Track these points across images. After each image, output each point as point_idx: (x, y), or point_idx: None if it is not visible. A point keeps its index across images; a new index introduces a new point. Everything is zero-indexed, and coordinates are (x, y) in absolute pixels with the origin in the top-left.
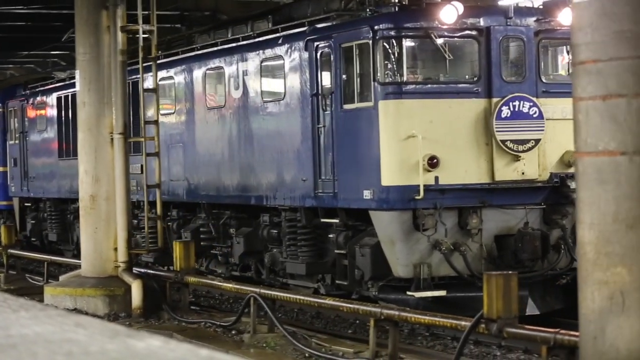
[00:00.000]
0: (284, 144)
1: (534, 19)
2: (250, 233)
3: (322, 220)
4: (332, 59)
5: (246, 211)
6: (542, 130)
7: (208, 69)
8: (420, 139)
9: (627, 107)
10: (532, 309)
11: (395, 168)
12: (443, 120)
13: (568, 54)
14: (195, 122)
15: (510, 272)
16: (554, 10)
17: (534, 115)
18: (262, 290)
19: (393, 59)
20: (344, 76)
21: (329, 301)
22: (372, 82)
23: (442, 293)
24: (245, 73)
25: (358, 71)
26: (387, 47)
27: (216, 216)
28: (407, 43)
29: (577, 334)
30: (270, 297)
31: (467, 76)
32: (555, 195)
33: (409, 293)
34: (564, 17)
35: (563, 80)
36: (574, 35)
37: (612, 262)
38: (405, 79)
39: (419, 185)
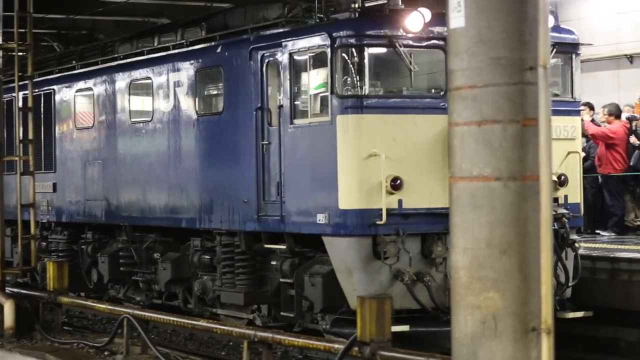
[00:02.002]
0: (222, 162)
1: None
2: (178, 258)
3: (266, 246)
4: (280, 69)
5: (173, 235)
6: None
7: (133, 80)
8: (384, 158)
9: (502, 133)
10: None
11: (354, 190)
12: (407, 137)
13: None
14: (117, 137)
15: (383, 295)
16: None
17: None
18: (136, 312)
19: (353, 70)
20: (295, 88)
21: (202, 322)
22: (329, 95)
23: (405, 328)
24: (177, 84)
25: (312, 83)
26: (347, 56)
27: (139, 239)
28: (369, 52)
29: (450, 358)
30: (144, 318)
31: (433, 90)
32: None
33: None
34: None
35: None
36: (450, 61)
37: (485, 286)
38: (366, 91)
39: (380, 209)
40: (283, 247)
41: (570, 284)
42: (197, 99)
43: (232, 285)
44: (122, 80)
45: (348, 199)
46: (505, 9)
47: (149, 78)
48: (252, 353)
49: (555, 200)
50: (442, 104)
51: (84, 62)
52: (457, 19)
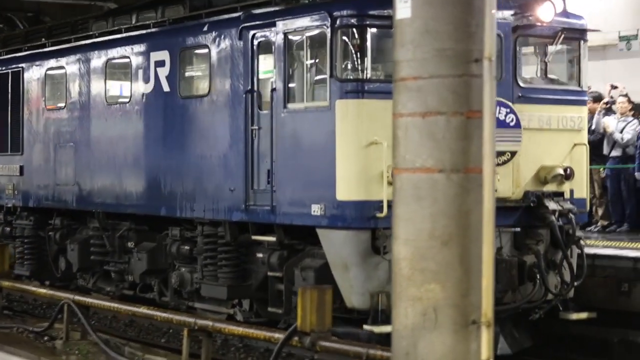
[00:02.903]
0: (207, 148)
1: (512, 12)
2: (154, 248)
3: (254, 237)
4: (274, 50)
5: (148, 223)
6: (519, 141)
7: (110, 59)
8: (386, 147)
9: (445, 125)
10: (503, 348)
11: (353, 180)
12: None
13: (546, 56)
14: (92, 119)
15: (325, 286)
16: (532, 4)
17: (511, 124)
18: (76, 297)
19: (354, 52)
20: (289, 71)
21: (143, 309)
22: (328, 79)
23: None
24: (158, 64)
25: (309, 65)
26: (347, 38)
27: (112, 227)
28: (372, 34)
29: (389, 349)
30: (84, 304)
31: None
32: (530, 216)
33: (366, 327)
34: (544, 13)
35: (540, 84)
36: (396, 52)
37: (427, 278)
38: (368, 75)
39: (381, 201)
40: (272, 239)
41: (575, 283)
42: (179, 80)
43: (214, 278)
44: (97, 60)
45: (346, 189)
46: (452, 0)
47: (127, 57)
48: (192, 341)
49: (561, 194)
50: None
51: (56, 40)
52: (403, 9)
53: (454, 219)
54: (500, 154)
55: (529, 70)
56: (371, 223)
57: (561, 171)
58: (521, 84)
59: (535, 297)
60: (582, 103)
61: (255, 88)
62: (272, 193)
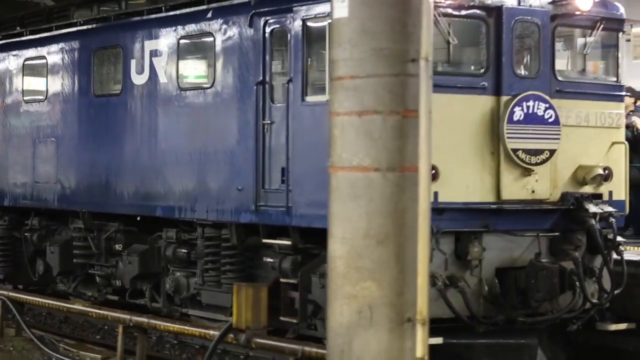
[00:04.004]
0: (210, 143)
1: (549, 0)
2: (146, 251)
3: (265, 241)
4: (290, 38)
5: (138, 224)
6: (558, 138)
7: (97, 48)
8: None
9: (382, 124)
10: None
11: None
12: (442, 120)
13: (585, 47)
14: (76, 113)
15: (260, 283)
16: None
17: (550, 120)
18: (11, 294)
19: None
20: (307, 61)
21: (77, 306)
22: None
23: (438, 340)
24: (153, 54)
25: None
26: None
27: (98, 228)
28: None
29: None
30: (19, 300)
31: (472, 67)
32: (568, 220)
33: None
34: (583, 1)
35: (578, 78)
36: (333, 51)
37: (362, 276)
38: None
39: None
40: (287, 242)
41: (615, 292)
42: (179, 71)
43: (216, 284)
44: (82, 49)
45: None
46: (389, 1)
47: (117, 46)
48: (127, 337)
49: (599, 196)
50: (482, 83)
51: (36, 28)
52: (340, 9)
53: (390, 217)
54: (538, 152)
55: (563, 63)
56: None
57: (601, 171)
58: (559, 78)
59: (574, 307)
60: (620, 99)
61: (267, 79)
62: (287, 193)
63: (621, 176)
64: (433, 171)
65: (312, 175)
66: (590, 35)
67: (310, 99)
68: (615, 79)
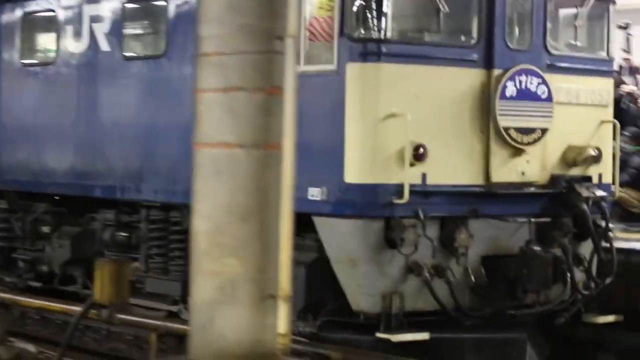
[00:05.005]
0: (161, 119)
1: None
2: (79, 234)
3: None
4: None
5: (68, 205)
6: (551, 116)
7: (27, 12)
8: (409, 120)
9: (247, 101)
10: (532, 358)
11: (367, 159)
12: (432, 95)
13: (576, 18)
14: (1, 83)
15: (122, 258)
16: None
17: (543, 97)
18: None
19: (372, 7)
20: None
21: None
22: (337, 38)
23: (425, 336)
24: (94, 19)
25: (308, 20)
26: None
27: (23, 209)
28: None
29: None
30: None
31: (462, 37)
32: (558, 204)
33: (380, 335)
34: None
35: (569, 52)
36: (200, 27)
37: (224, 253)
38: (388, 34)
39: (400, 185)
40: None
41: (606, 281)
42: (124, 39)
43: (163, 271)
44: (10, 13)
45: (358, 170)
46: None
47: (52, 11)
48: None
49: (589, 179)
50: (473, 56)
51: None
52: None
53: (253, 194)
54: (529, 131)
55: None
56: (386, 211)
57: (593, 152)
58: (551, 51)
59: (563, 298)
60: (610, 74)
61: None
62: None
63: (609, 157)
64: (421, 150)
65: None
66: (582, 6)
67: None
68: (604, 53)
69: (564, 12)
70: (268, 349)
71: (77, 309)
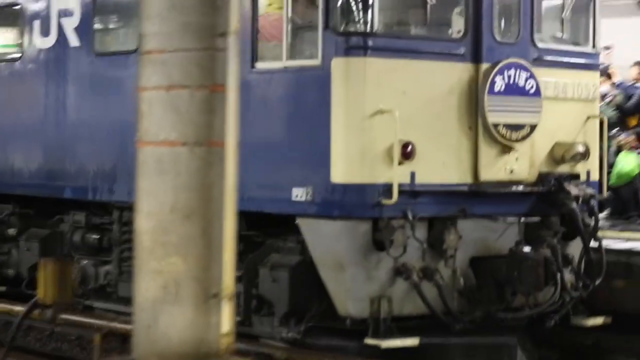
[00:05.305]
0: (133, 116)
1: None
2: (48, 237)
3: None
4: None
5: (35, 206)
6: (540, 112)
7: None
8: (397, 116)
9: (190, 99)
10: None
11: (354, 158)
12: (419, 91)
13: (563, 10)
14: None
15: (66, 258)
16: None
17: (531, 91)
18: None
19: None
20: (256, 19)
21: None
22: (321, 31)
23: (414, 342)
24: (62, 13)
25: (289, 14)
26: None
27: None
28: None
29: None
30: None
31: (449, 31)
32: (546, 203)
33: (369, 341)
34: None
35: (555, 45)
36: (143, 24)
37: (168, 251)
38: (375, 27)
39: (387, 185)
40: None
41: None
42: (94, 34)
43: None
44: None
45: (345, 169)
46: None
47: (17, 4)
48: None
49: (577, 177)
50: (460, 49)
51: None
52: None
53: (197, 192)
54: (519, 127)
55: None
56: (375, 212)
57: (581, 149)
58: (538, 44)
59: (553, 300)
60: (596, 68)
61: None
62: None
63: (596, 154)
64: (409, 147)
65: (264, 154)
66: None
67: (261, 65)
68: (590, 46)
69: (548, 3)
70: (212, 348)
71: (20, 309)
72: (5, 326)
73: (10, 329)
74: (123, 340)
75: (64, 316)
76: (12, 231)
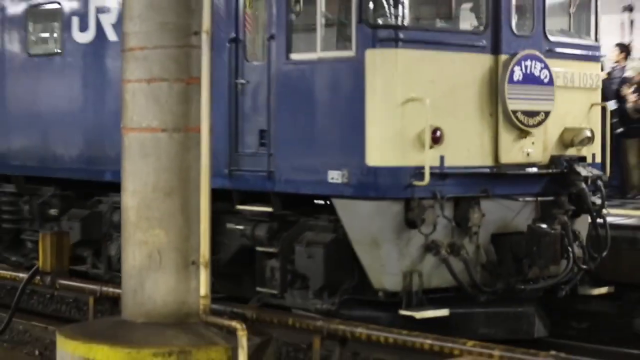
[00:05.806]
0: None
1: None
2: (88, 217)
3: (240, 207)
4: None
5: (74, 188)
6: (553, 99)
7: (32, 5)
8: (428, 104)
9: (168, 90)
10: (540, 330)
11: (389, 143)
12: (445, 80)
13: (570, 5)
14: (7, 72)
15: (63, 231)
16: None
17: (545, 81)
18: None
19: None
20: (292, 15)
21: None
22: (355, 24)
23: (444, 312)
24: (100, 10)
25: (323, 8)
26: None
27: (31, 192)
28: None
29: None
30: None
31: (472, 24)
32: (558, 183)
33: (404, 312)
34: None
35: (566, 38)
36: (125, 24)
37: (152, 225)
38: (406, 21)
39: (420, 167)
40: (268, 209)
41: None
42: None
43: None
44: (15, 6)
45: (380, 153)
46: None
47: (58, 3)
48: None
49: (584, 159)
50: (483, 41)
51: None
52: None
53: (176, 173)
54: (534, 114)
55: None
56: (407, 192)
57: (589, 133)
58: (550, 37)
59: (566, 272)
60: (598, 59)
61: (241, 37)
62: (268, 157)
63: (598, 138)
64: (438, 133)
65: (300, 139)
66: None
67: (296, 56)
68: (592, 38)
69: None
70: (192, 309)
71: (23, 276)
72: (11, 291)
73: (17, 294)
74: (114, 302)
75: (62, 281)
76: (54, 212)
